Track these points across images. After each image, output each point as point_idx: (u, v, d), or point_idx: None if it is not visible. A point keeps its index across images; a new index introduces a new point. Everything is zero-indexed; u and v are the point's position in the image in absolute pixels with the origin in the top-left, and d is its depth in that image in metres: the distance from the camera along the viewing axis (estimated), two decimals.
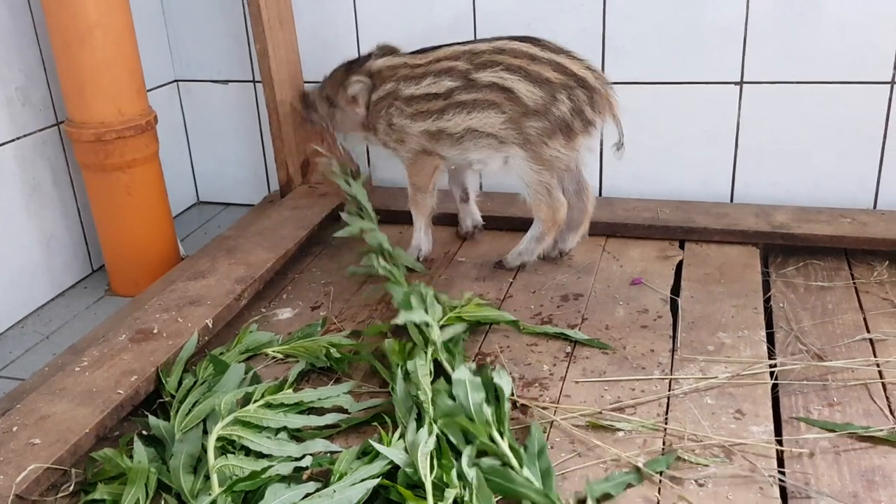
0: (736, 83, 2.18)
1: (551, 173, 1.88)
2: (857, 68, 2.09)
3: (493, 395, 1.43)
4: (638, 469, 1.32)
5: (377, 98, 1.99)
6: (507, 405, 1.41)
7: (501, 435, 1.33)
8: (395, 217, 2.25)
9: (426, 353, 1.53)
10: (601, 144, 2.32)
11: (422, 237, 2.10)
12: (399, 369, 1.51)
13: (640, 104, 2.25)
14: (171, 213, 2.26)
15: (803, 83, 2.14)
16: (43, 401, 1.47)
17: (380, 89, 1.98)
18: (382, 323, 1.78)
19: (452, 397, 1.40)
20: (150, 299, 1.84)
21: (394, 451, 1.28)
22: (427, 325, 1.59)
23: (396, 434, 1.37)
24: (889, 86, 2.08)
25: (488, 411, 1.36)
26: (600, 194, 2.39)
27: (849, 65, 2.09)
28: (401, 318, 1.60)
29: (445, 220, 2.26)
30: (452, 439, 1.32)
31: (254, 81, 2.59)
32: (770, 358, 1.63)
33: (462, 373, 1.43)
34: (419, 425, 1.35)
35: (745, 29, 2.12)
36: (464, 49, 1.91)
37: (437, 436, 1.31)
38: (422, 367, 1.48)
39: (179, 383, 1.58)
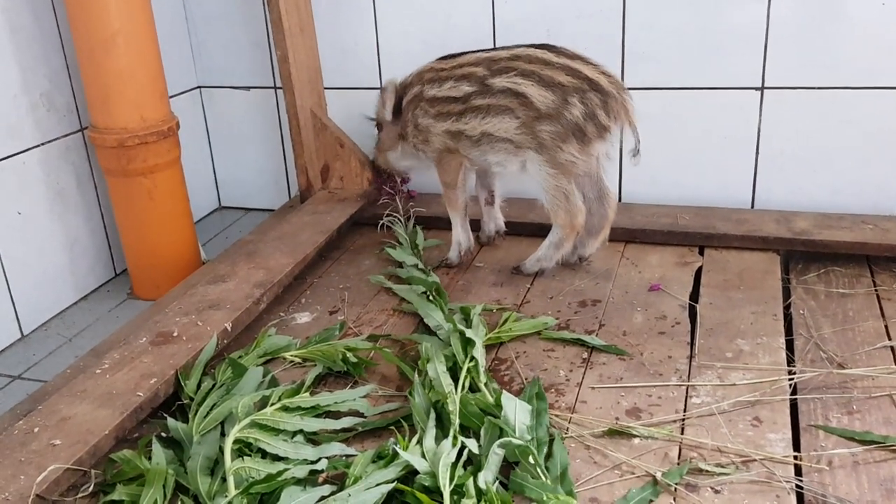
0: (757, 89, 2.17)
1: (568, 178, 1.88)
2: (878, 73, 2.07)
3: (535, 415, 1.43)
4: (654, 479, 1.32)
5: (406, 103, 2.05)
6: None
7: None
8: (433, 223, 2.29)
9: (462, 366, 1.54)
10: (620, 150, 2.32)
11: (460, 232, 2.12)
12: (417, 374, 1.51)
13: (661, 110, 2.25)
14: (192, 218, 2.29)
15: (824, 88, 2.12)
16: (64, 402, 1.49)
17: (408, 94, 2.04)
18: (407, 334, 1.80)
19: (484, 410, 1.41)
20: (171, 303, 1.86)
21: (415, 458, 1.28)
22: (473, 343, 1.60)
23: (414, 439, 1.37)
24: None
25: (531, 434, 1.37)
26: (620, 199, 2.38)
27: (870, 70, 2.07)
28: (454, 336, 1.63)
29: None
30: (473, 450, 1.32)
31: (275, 87, 2.61)
32: (789, 365, 1.61)
33: (508, 397, 1.42)
34: (442, 433, 1.36)
35: (766, 34, 2.11)
36: (485, 56, 1.94)
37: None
38: (444, 375, 1.48)
39: (198, 386, 1.59)
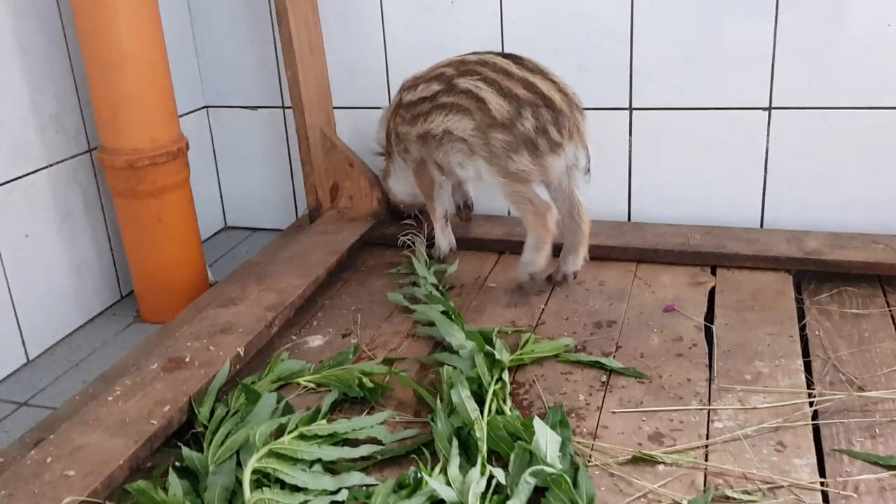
0: (765, 109, 2.16)
1: (524, 184, 1.89)
2: (885, 93, 2.07)
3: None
4: None
5: (390, 115, 2.13)
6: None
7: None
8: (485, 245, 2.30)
9: (488, 389, 1.52)
10: (629, 169, 2.32)
11: (441, 238, 2.22)
12: (440, 399, 1.50)
13: (669, 129, 2.25)
14: (200, 240, 2.27)
15: (832, 108, 2.12)
16: (76, 431, 1.47)
17: (392, 106, 2.13)
18: (424, 356, 1.78)
19: (512, 435, 1.39)
20: (181, 327, 1.84)
21: (443, 487, 1.26)
22: (501, 367, 1.59)
23: (438, 468, 1.35)
24: None
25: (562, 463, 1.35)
26: (629, 219, 2.37)
27: (877, 90, 2.07)
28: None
29: (475, 244, 2.26)
30: (501, 479, 1.30)
31: (283, 107, 2.60)
32: (808, 387, 1.60)
33: (540, 422, 1.40)
34: (467, 460, 1.34)
35: (773, 55, 2.11)
36: (458, 59, 1.99)
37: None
38: (468, 399, 1.46)
39: (211, 413, 1.57)
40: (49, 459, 1.39)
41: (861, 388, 1.59)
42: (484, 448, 1.37)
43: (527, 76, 1.88)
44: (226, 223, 2.83)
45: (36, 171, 2.05)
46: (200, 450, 1.48)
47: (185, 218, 2.19)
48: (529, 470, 1.31)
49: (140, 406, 1.52)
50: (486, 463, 1.34)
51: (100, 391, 1.70)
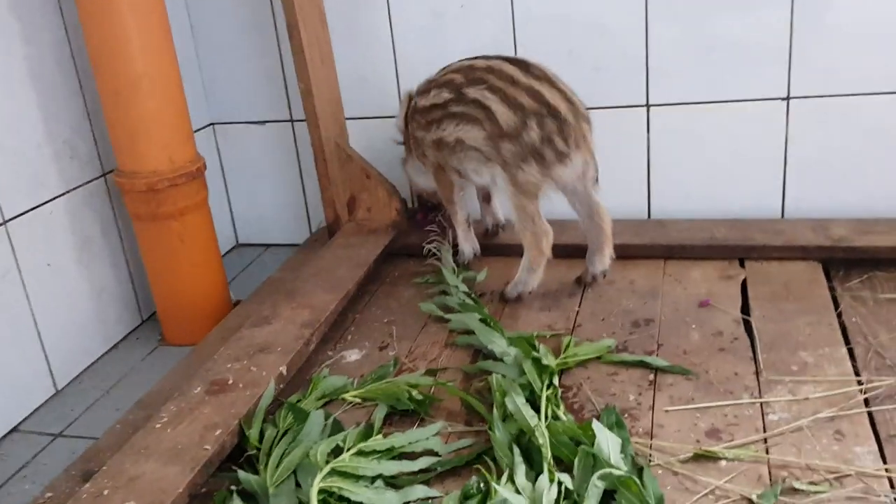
0: (783, 99, 2.17)
1: (531, 200, 1.88)
2: None
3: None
4: (751, 502, 1.29)
5: (408, 118, 2.12)
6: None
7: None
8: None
9: (540, 395, 1.51)
10: (648, 166, 2.32)
11: (464, 243, 2.21)
12: (496, 407, 1.48)
13: (687, 124, 2.25)
14: (221, 259, 2.24)
15: (850, 95, 2.13)
16: (129, 461, 1.44)
17: (410, 106, 2.11)
18: (470, 364, 1.77)
19: (573, 439, 1.39)
20: (216, 348, 1.81)
21: (515, 496, 1.25)
22: (550, 372, 1.59)
23: (504, 477, 1.34)
24: None
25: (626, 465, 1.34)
26: (649, 216, 2.38)
27: (892, 76, 2.09)
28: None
29: (499, 250, 2.25)
30: (568, 484, 1.29)
31: (291, 121, 2.58)
32: (856, 375, 1.61)
33: (599, 425, 1.39)
34: (535, 469, 1.33)
35: (790, 45, 2.12)
36: (466, 64, 1.98)
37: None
38: (525, 406, 1.45)
39: (261, 434, 1.55)
40: (106, 492, 1.37)
41: None
42: (549, 454, 1.35)
43: (533, 84, 1.87)
44: (237, 241, 2.80)
45: (53, 199, 2.01)
46: (255, 472, 1.46)
47: (206, 238, 2.16)
48: (597, 474, 1.30)
49: (190, 432, 1.50)
50: (552, 469, 1.33)
51: (140, 418, 1.68)
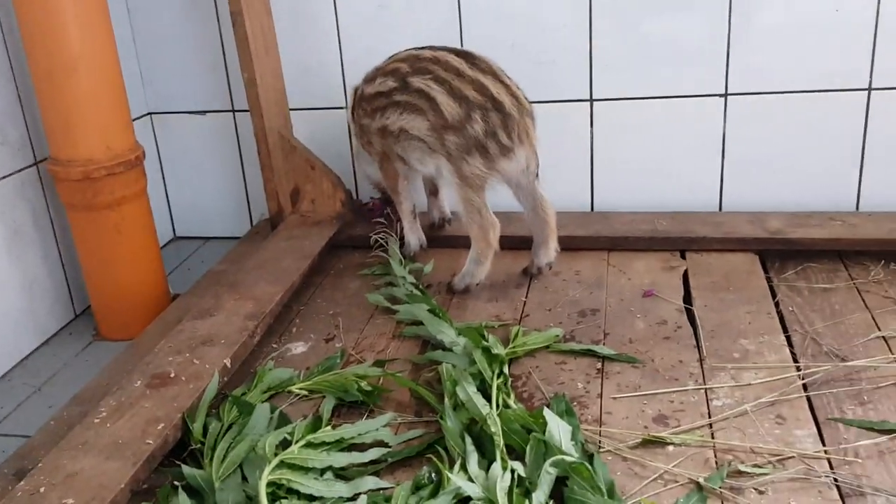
0: (721, 95, 2.22)
1: (476, 192, 1.89)
2: (834, 77, 2.15)
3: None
4: (699, 486, 1.32)
5: (354, 106, 2.10)
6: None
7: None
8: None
9: (491, 384, 1.51)
10: (591, 159, 2.35)
11: (409, 234, 2.19)
12: (447, 396, 1.48)
13: (629, 119, 2.28)
14: (160, 251, 2.18)
15: (785, 93, 2.19)
16: (66, 457, 1.38)
17: (356, 98, 2.09)
18: (418, 355, 1.76)
19: (524, 427, 1.38)
20: (156, 342, 1.76)
21: (469, 484, 1.25)
22: (500, 361, 1.58)
23: (456, 465, 1.33)
24: (866, 92, 2.15)
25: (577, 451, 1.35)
26: (592, 209, 2.40)
27: (827, 74, 2.15)
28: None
29: (445, 242, 2.24)
30: (521, 471, 1.29)
31: (233, 111, 2.52)
32: (794, 362, 1.65)
33: (550, 413, 1.40)
34: (487, 458, 1.32)
35: (728, 43, 2.17)
36: (413, 53, 1.98)
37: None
38: (476, 395, 1.44)
39: (204, 428, 1.51)
40: (42, 489, 1.31)
41: (843, 359, 1.64)
42: (501, 442, 1.35)
43: (478, 77, 1.87)
44: (175, 234, 2.73)
45: None
46: (199, 467, 1.42)
47: (144, 229, 2.10)
48: (550, 461, 1.31)
49: (132, 426, 1.45)
50: (505, 457, 1.33)
51: (76, 414, 1.62)
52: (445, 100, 1.85)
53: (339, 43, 2.37)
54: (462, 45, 2.30)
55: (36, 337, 2.09)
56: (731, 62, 2.19)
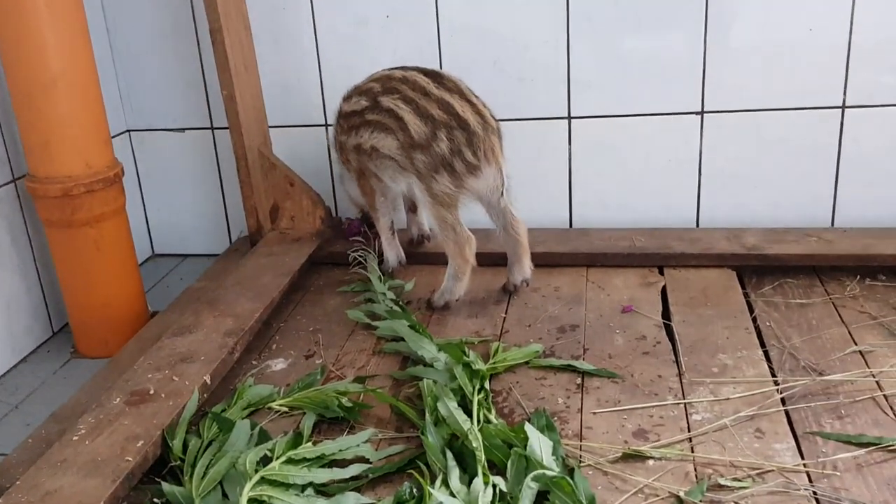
0: (697, 113, 2.26)
1: (449, 210, 1.91)
2: (807, 95, 2.19)
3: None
4: (680, 499, 1.32)
5: (334, 123, 2.13)
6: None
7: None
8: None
9: (472, 399, 1.51)
10: (570, 176, 2.37)
11: (388, 249, 2.21)
12: (428, 412, 1.48)
13: (607, 137, 2.31)
14: (138, 268, 2.16)
15: (760, 111, 2.23)
16: (44, 475, 1.37)
17: (336, 115, 2.12)
18: (399, 371, 1.76)
19: (505, 442, 1.39)
20: (136, 359, 1.75)
21: (452, 500, 1.25)
22: (481, 377, 1.59)
23: (438, 481, 1.33)
24: (840, 110, 2.19)
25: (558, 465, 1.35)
26: (571, 225, 2.42)
27: (800, 92, 2.19)
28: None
29: (424, 258, 2.25)
30: (502, 487, 1.30)
31: (212, 128, 2.52)
32: (771, 375, 1.67)
33: (531, 428, 1.40)
34: (468, 473, 1.33)
35: (704, 62, 2.20)
36: (385, 73, 2.00)
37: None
38: (457, 411, 1.45)
39: (184, 445, 1.50)
40: None
41: (820, 373, 1.66)
42: (483, 457, 1.35)
43: (444, 96, 1.89)
44: (153, 251, 2.72)
45: None
46: (179, 484, 1.41)
47: (123, 246, 2.09)
48: (531, 475, 1.31)
49: (110, 443, 1.44)
50: (487, 472, 1.33)
51: (54, 432, 1.61)
52: (412, 119, 1.86)
53: (318, 61, 2.38)
54: (442, 64, 2.32)
55: (13, 355, 2.07)
56: (706, 80, 2.22)
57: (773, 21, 2.14)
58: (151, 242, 2.71)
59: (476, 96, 1.94)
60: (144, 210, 2.66)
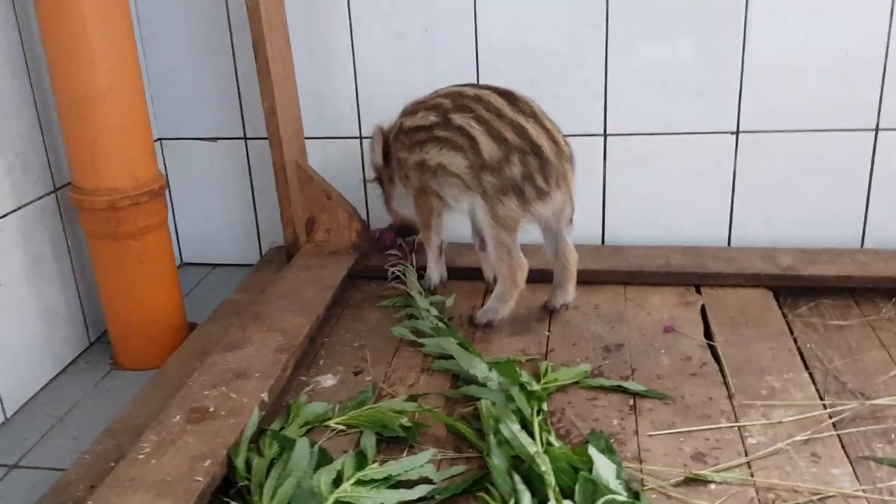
0: (732, 133, 2.28)
1: (509, 233, 1.91)
2: (840, 117, 2.22)
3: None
4: None
5: (392, 140, 2.09)
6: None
7: None
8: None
9: (532, 421, 1.52)
10: (603, 193, 2.39)
11: (433, 268, 2.20)
12: (493, 434, 1.49)
13: (641, 154, 2.33)
14: (178, 281, 2.16)
15: (793, 132, 2.26)
16: (114, 494, 1.37)
17: (393, 131, 2.09)
18: (450, 389, 1.77)
19: (572, 467, 1.40)
20: (181, 373, 1.76)
21: None
22: (539, 398, 1.61)
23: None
24: (874, 132, 2.22)
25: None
26: (603, 242, 2.44)
27: (834, 114, 2.22)
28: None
29: (462, 274, 2.26)
30: None
31: (245, 138, 2.52)
32: (819, 398, 1.69)
33: (595, 451, 1.42)
34: (537, 497, 1.34)
35: (741, 82, 2.23)
36: (455, 90, 1.99)
37: None
38: (521, 433, 1.46)
39: (247, 464, 1.50)
40: None
41: (867, 397, 1.69)
42: (552, 481, 1.37)
43: (518, 119, 1.88)
44: (182, 260, 2.71)
45: (5, 216, 1.90)
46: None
47: (165, 259, 2.09)
48: (601, 500, 1.33)
49: (177, 462, 1.44)
50: (558, 497, 1.34)
51: (110, 448, 1.61)
52: (485, 139, 1.86)
53: (355, 73, 2.39)
54: (479, 79, 2.34)
55: (53, 366, 2.06)
56: (742, 101, 2.25)
57: (811, 41, 2.17)
58: (180, 251, 2.70)
59: (550, 120, 1.93)
60: (174, 218, 2.65)
